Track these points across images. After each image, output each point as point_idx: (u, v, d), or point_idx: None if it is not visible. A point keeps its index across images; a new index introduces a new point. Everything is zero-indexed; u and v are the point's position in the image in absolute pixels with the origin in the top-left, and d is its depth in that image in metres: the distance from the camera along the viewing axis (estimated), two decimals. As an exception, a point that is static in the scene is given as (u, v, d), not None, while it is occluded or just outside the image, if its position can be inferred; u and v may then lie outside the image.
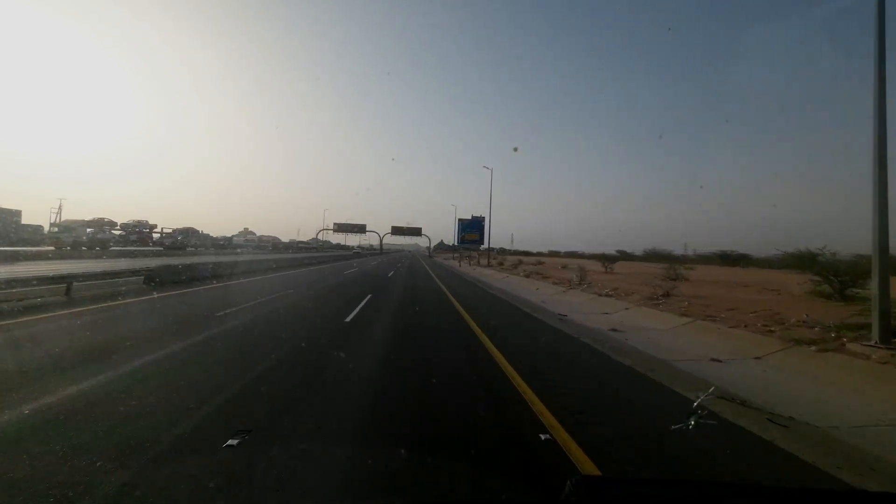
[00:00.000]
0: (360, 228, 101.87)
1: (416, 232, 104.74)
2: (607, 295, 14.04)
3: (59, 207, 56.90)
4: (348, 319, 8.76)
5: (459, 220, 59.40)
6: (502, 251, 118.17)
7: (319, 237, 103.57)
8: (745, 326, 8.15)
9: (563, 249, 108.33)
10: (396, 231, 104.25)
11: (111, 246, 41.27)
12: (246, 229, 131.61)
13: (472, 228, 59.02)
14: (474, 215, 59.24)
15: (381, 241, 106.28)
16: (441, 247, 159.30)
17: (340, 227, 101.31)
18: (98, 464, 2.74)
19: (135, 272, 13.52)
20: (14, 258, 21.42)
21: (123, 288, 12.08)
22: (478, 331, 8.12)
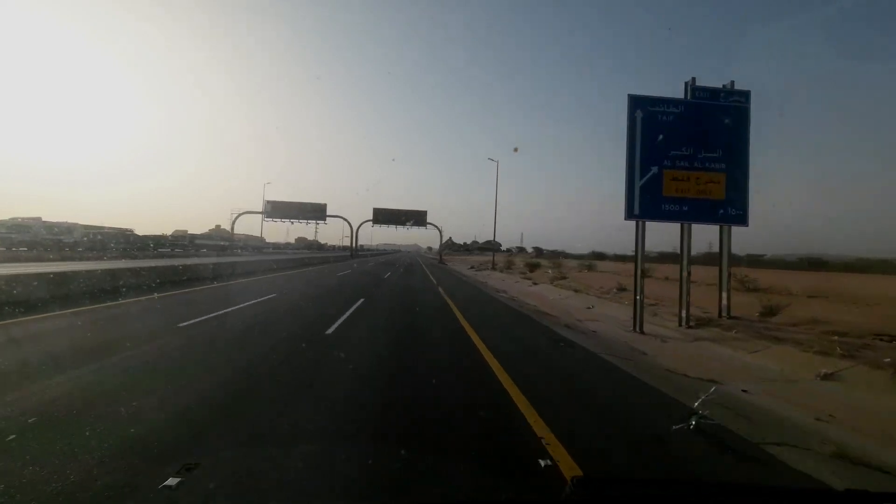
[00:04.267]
0: (316, 211, 53.50)
1: (418, 219, 56.09)
2: None
3: None
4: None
5: (638, 102, 10.39)
6: (520, 251, 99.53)
7: (237, 228, 55.92)
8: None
9: (558, 249, 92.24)
10: (383, 217, 56.00)
11: None
12: (218, 226, 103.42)
13: (697, 132, 10.05)
14: (700, 84, 10.99)
15: (354, 234, 58.29)
16: (450, 247, 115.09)
17: (278, 209, 52.86)
18: None
19: None
20: None
21: None
22: None
